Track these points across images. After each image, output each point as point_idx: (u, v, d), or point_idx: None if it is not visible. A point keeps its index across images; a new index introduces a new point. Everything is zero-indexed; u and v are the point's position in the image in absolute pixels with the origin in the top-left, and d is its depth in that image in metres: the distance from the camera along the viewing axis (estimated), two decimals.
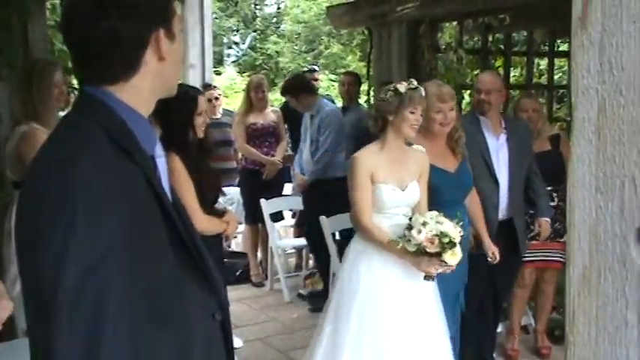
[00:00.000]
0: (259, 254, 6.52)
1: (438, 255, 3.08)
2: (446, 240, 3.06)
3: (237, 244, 7.31)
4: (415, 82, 3.39)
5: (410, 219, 3.20)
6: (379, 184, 3.32)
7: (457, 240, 3.09)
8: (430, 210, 3.36)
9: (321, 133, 5.64)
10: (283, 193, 6.61)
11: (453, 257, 3.10)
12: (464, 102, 6.42)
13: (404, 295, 3.27)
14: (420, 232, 3.08)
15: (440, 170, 3.62)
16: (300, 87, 5.78)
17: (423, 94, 3.36)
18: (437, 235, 3.06)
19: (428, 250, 3.07)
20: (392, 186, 3.34)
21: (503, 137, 4.14)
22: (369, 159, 3.34)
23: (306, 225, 5.86)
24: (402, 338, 3.21)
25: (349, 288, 3.30)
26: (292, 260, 6.88)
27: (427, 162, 3.48)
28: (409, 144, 3.48)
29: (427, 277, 3.23)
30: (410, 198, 3.39)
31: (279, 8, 22.88)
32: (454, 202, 3.63)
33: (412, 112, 3.30)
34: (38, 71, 3.56)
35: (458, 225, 3.13)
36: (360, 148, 4.80)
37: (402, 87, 3.32)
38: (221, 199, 3.97)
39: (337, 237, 5.41)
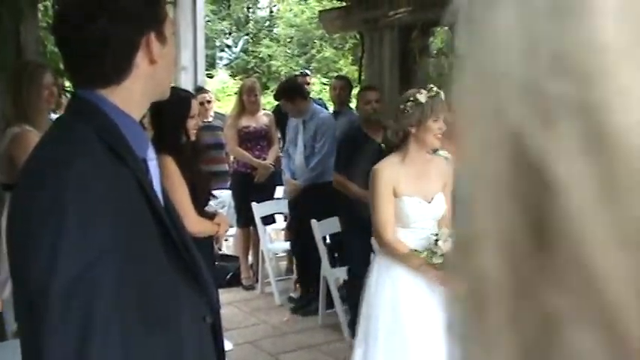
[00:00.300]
0: (250, 257, 6.52)
1: None
2: None
3: (228, 247, 7.31)
4: (435, 89, 3.21)
5: (436, 234, 3.07)
6: (403, 197, 3.16)
7: None
8: None
9: (317, 139, 5.65)
10: (275, 196, 6.61)
11: None
12: None
13: (429, 309, 3.11)
14: (446, 241, 2.95)
15: None
16: (294, 91, 5.79)
17: (444, 98, 3.18)
18: None
19: None
20: (417, 198, 3.18)
21: None
22: (389, 171, 3.18)
23: (297, 229, 5.86)
24: (428, 356, 3.10)
25: (375, 304, 3.20)
26: (283, 263, 6.88)
27: (450, 169, 3.28)
28: (434, 150, 3.33)
29: None
30: (436, 211, 3.23)
31: (271, 12, 22.91)
32: None
33: (435, 121, 3.12)
34: (28, 73, 3.56)
35: None
36: (346, 150, 4.68)
37: (422, 96, 3.13)
38: (212, 202, 3.98)
39: (328, 241, 5.43)
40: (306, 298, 5.69)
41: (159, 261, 1.34)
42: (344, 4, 6.76)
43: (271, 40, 21.04)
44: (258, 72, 19.57)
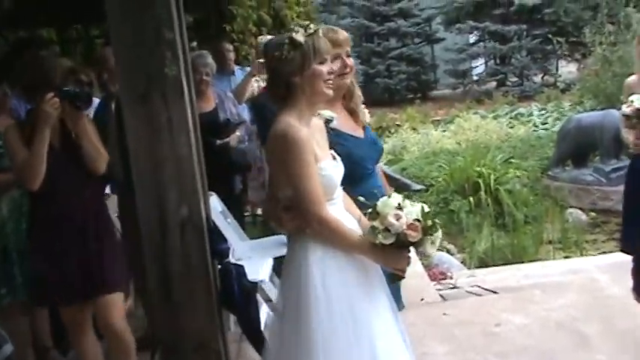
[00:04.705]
0: None
1: (417, 244, 2.44)
2: (429, 223, 2.42)
3: None
4: (312, 25, 2.63)
5: (374, 206, 2.46)
6: (323, 162, 2.56)
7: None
8: (354, 187, 2.73)
9: None
10: None
11: (434, 246, 2.47)
12: None
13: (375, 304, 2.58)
14: (399, 217, 2.40)
15: (353, 137, 2.97)
16: None
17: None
18: (418, 220, 2.41)
19: (410, 238, 2.40)
20: (331, 161, 2.61)
21: None
22: (304, 131, 2.51)
23: None
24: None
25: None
26: None
27: (323, 125, 2.77)
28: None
29: (397, 278, 2.61)
30: (342, 170, 2.67)
31: None
32: (374, 172, 3.07)
33: (322, 63, 2.58)
34: None
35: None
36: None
37: (299, 36, 2.56)
38: None
39: None
40: None
41: None
42: None
43: None
44: None
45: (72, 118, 3.34)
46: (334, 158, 2.64)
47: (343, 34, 3.01)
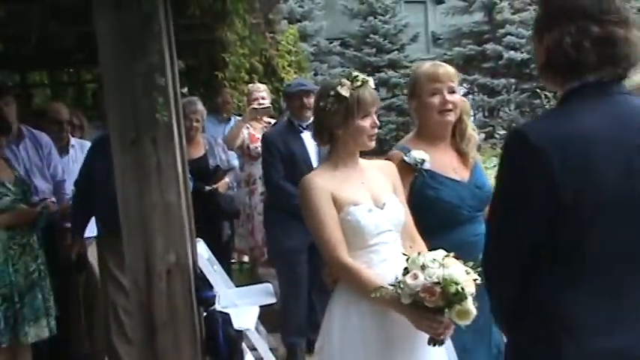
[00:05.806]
0: None
1: (440, 311, 2.25)
2: (452, 290, 2.21)
3: None
4: (361, 77, 2.56)
5: (407, 259, 2.34)
6: (349, 208, 2.48)
7: (469, 290, 2.24)
8: (447, 233, 2.66)
9: None
10: None
11: (463, 316, 2.25)
12: None
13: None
14: (416, 277, 2.24)
15: (450, 181, 2.81)
16: None
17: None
18: (438, 283, 2.22)
19: (427, 303, 2.23)
20: (366, 205, 2.50)
21: None
22: (321, 178, 2.54)
23: None
24: None
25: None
26: None
27: (395, 170, 2.69)
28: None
29: (433, 342, 2.37)
30: (394, 218, 2.54)
31: None
32: (475, 219, 2.83)
33: (365, 117, 2.53)
34: None
35: (473, 270, 2.27)
36: None
37: (344, 89, 2.51)
38: None
39: None
40: None
41: None
42: None
43: None
44: None
45: None
46: (382, 205, 2.52)
47: (444, 69, 2.90)
